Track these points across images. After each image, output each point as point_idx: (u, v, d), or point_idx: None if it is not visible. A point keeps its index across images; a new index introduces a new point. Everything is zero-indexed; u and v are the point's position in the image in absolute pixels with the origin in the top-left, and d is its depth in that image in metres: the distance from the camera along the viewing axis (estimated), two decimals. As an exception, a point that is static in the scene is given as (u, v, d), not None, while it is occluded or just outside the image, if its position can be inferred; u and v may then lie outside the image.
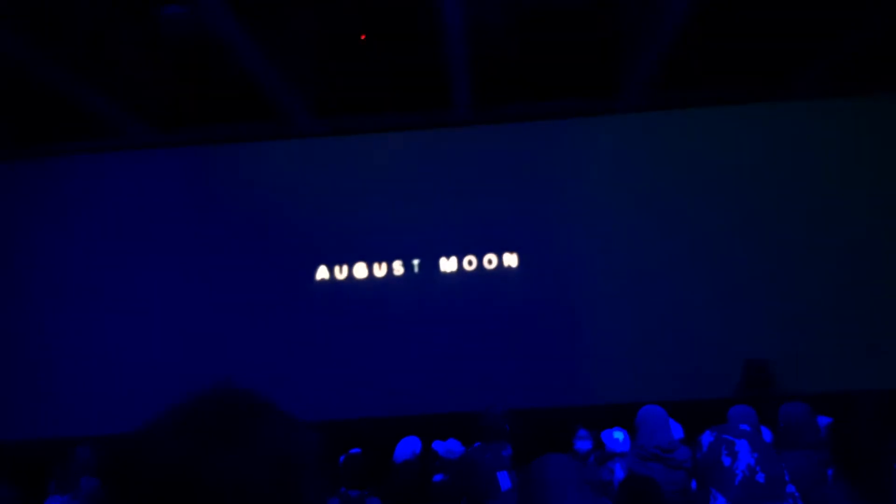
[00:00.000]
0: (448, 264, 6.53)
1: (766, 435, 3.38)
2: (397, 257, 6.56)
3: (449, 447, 4.15)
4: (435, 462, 4.19)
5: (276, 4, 5.45)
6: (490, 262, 6.52)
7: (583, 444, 4.24)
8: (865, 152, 6.40)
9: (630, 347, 6.22)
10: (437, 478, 3.81)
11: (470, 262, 6.52)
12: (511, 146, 6.63)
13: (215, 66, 6.02)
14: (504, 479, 3.25)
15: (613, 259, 6.41)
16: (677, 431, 3.79)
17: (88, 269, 6.61)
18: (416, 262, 6.54)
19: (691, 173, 6.50)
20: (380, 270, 6.55)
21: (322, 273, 6.57)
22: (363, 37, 5.99)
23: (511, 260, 6.51)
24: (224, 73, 6.07)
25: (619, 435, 3.87)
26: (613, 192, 6.52)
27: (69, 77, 5.50)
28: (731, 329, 6.18)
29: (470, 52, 5.57)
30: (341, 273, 6.56)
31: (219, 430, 0.78)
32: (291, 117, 6.46)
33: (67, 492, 3.97)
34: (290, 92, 6.04)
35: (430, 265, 6.53)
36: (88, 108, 6.05)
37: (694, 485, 3.08)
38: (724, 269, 6.32)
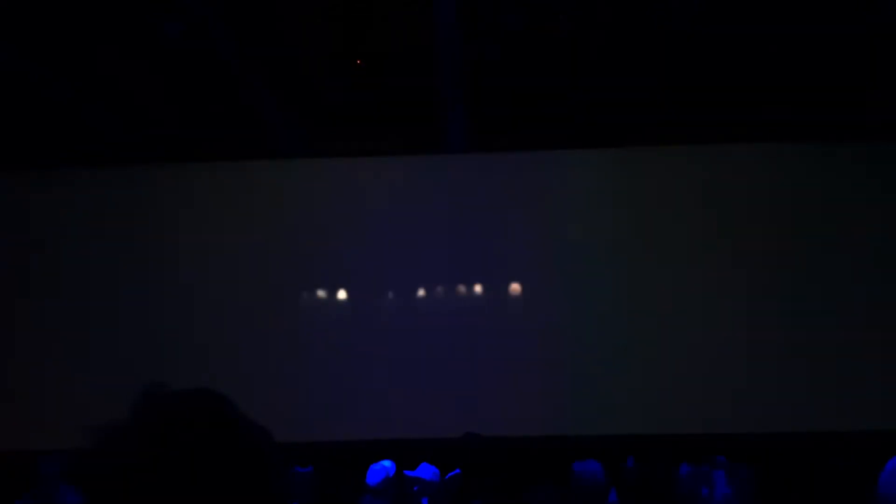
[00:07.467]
0: (438, 291, 6.56)
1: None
2: (387, 283, 6.57)
3: (427, 470, 4.15)
4: (414, 487, 4.19)
5: (274, 25, 5.51)
6: (480, 289, 6.54)
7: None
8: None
9: (625, 378, 6.24)
10: (424, 501, 3.83)
11: (460, 290, 6.55)
12: (505, 175, 6.69)
13: (209, 84, 6.06)
14: None
15: (608, 293, 6.45)
16: None
17: (78, 280, 6.59)
18: (403, 288, 6.57)
19: (685, 208, 6.56)
20: (369, 295, 6.56)
21: (311, 296, 6.57)
22: (359, 62, 6.06)
23: (502, 288, 6.54)
24: (217, 91, 6.10)
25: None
26: (611, 224, 6.57)
27: (68, 90, 5.54)
28: (728, 362, 6.22)
29: (466, 79, 5.66)
30: (330, 297, 6.57)
31: (190, 431, 0.80)
32: (283, 138, 6.51)
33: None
34: (284, 113, 6.10)
35: (420, 292, 6.55)
36: (85, 121, 6.09)
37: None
38: (726, 300, 6.37)
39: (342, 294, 6.58)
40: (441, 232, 6.62)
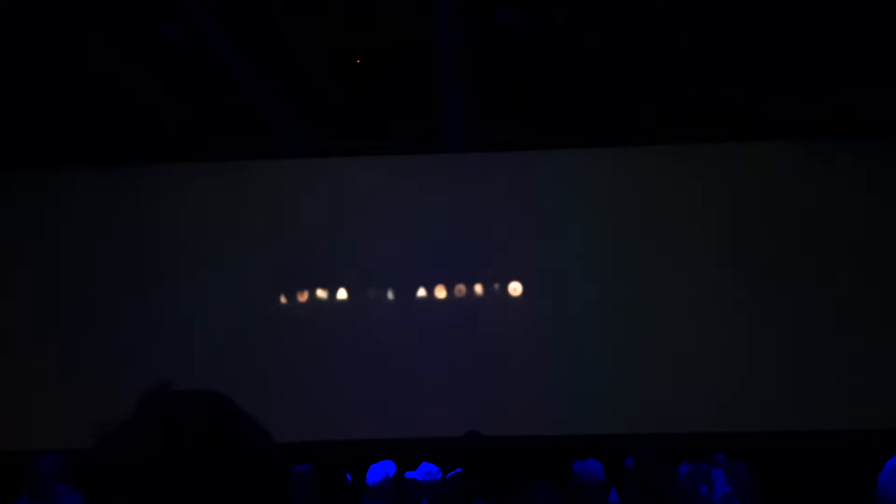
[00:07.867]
0: (438, 291, 6.56)
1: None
2: (387, 283, 6.57)
3: (427, 470, 4.16)
4: (414, 487, 4.19)
5: (271, 24, 5.51)
6: (480, 289, 6.55)
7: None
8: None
9: (625, 378, 6.24)
10: (424, 501, 3.84)
11: (460, 290, 6.55)
12: (505, 175, 6.69)
13: (209, 84, 6.06)
14: None
15: (608, 293, 6.45)
16: None
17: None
18: (403, 288, 6.58)
19: (685, 208, 6.56)
20: (367, 296, 6.57)
21: (311, 296, 6.57)
22: (358, 61, 6.06)
23: (502, 288, 6.54)
24: (217, 91, 6.10)
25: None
26: (612, 224, 6.56)
27: (68, 90, 5.55)
28: (728, 362, 6.22)
29: (464, 78, 5.66)
30: (330, 297, 6.57)
31: (195, 429, 0.80)
32: (283, 138, 6.52)
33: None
34: (281, 112, 6.10)
35: (420, 292, 6.56)
36: (86, 121, 6.09)
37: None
38: (730, 299, 6.37)
39: (342, 294, 6.59)
40: (441, 232, 6.62)
